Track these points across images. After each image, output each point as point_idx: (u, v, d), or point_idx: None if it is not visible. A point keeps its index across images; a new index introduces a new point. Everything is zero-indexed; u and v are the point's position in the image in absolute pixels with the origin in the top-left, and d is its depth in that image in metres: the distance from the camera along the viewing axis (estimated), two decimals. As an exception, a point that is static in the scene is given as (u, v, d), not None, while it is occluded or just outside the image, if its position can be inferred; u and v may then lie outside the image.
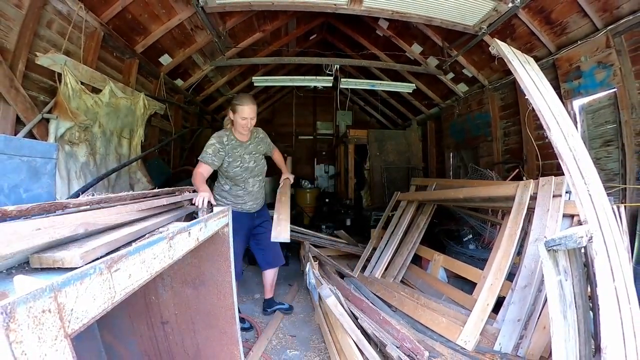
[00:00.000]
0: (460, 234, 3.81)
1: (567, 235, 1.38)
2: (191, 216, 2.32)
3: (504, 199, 2.90)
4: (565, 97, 3.60)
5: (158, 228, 1.23)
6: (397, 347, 1.91)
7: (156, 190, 1.50)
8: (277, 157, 3.19)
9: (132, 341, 1.77)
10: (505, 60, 2.40)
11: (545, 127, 2.05)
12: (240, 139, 2.72)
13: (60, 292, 0.49)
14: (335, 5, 3.52)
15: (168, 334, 1.73)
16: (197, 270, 1.59)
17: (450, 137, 6.43)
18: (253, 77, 5.85)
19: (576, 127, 3.34)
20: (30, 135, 2.60)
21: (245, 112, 2.56)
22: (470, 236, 3.78)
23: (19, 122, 2.50)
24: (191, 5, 3.50)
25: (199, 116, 6.49)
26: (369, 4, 3.50)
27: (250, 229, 2.90)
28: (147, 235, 1.08)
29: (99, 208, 0.98)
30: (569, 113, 3.40)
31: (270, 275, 3.04)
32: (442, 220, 4.70)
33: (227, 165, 2.66)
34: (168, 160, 5.28)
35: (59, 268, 0.69)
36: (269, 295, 3.13)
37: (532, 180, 2.72)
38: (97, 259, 0.70)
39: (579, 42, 3.41)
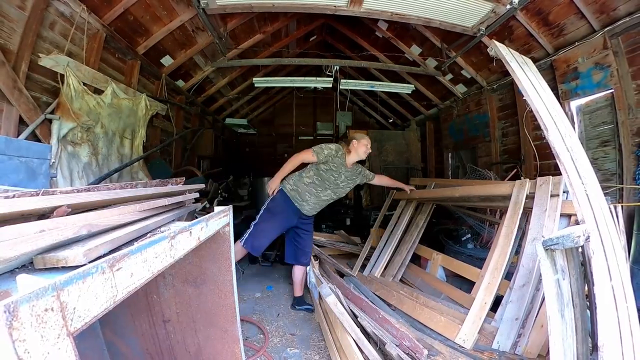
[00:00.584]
0: (459, 233, 3.81)
1: (564, 234, 1.38)
2: (193, 215, 2.33)
3: (501, 198, 2.91)
4: (562, 98, 3.61)
5: (159, 227, 1.23)
6: (397, 346, 1.91)
7: (152, 181, 1.50)
8: (383, 180, 3.61)
9: (134, 339, 1.77)
10: (504, 61, 2.40)
11: (543, 127, 2.05)
12: (347, 164, 3.07)
13: (62, 290, 0.48)
14: (335, 6, 3.52)
15: (170, 333, 1.72)
16: (199, 269, 1.59)
17: (448, 138, 6.43)
18: (254, 78, 5.85)
19: (574, 128, 3.34)
20: (33, 135, 2.60)
21: (367, 141, 3.12)
22: (469, 235, 3.78)
23: (22, 123, 2.50)
24: (192, 7, 3.50)
25: (200, 117, 6.48)
26: (368, 5, 3.50)
27: (291, 222, 3.10)
28: (149, 235, 1.09)
29: (87, 191, 0.98)
30: (566, 114, 3.41)
31: (298, 273, 3.19)
32: (441, 219, 4.70)
33: (327, 169, 3.00)
34: (170, 161, 5.28)
35: (62, 267, 0.69)
36: (298, 293, 3.26)
37: (528, 179, 2.71)
38: (100, 257, 0.70)
39: (576, 44, 3.42)
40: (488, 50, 2.59)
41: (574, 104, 3.62)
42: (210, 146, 6.61)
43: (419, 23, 3.90)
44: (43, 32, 2.61)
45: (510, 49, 2.57)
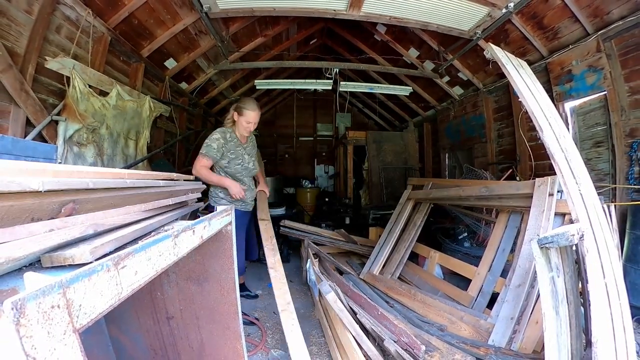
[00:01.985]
0: (456, 232, 3.81)
1: (559, 233, 1.38)
2: (196, 214, 2.32)
3: (517, 196, 2.79)
4: (557, 99, 3.61)
5: (163, 226, 1.23)
6: (395, 342, 1.91)
7: (156, 173, 1.50)
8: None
9: (138, 335, 1.77)
10: (500, 64, 2.40)
11: (538, 128, 2.05)
12: (240, 140, 2.82)
13: (68, 288, 0.48)
14: (334, 10, 3.52)
15: (173, 329, 1.72)
16: (201, 267, 1.59)
17: (445, 139, 6.43)
18: (255, 81, 5.85)
19: (568, 129, 3.35)
20: (40, 136, 2.60)
21: (251, 117, 2.70)
22: (466, 234, 3.77)
23: (29, 124, 2.50)
24: (195, 11, 3.50)
25: (203, 118, 6.49)
26: (367, 9, 3.50)
27: (247, 225, 3.00)
28: (153, 233, 1.09)
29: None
30: (560, 115, 3.41)
31: None
32: (438, 218, 4.70)
33: (228, 162, 2.73)
34: (173, 161, 5.28)
35: (69, 265, 0.69)
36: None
37: (549, 177, 2.55)
38: (106, 255, 0.70)
39: (570, 47, 3.42)
40: (484, 52, 2.59)
41: (568, 105, 3.63)
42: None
43: (416, 27, 3.90)
44: (49, 36, 2.60)
45: (506, 52, 2.56)
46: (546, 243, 1.40)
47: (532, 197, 2.57)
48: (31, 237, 0.68)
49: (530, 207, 2.55)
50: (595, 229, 1.70)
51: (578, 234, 1.41)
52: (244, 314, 2.51)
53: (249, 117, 2.69)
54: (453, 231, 3.86)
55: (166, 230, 1.05)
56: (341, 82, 5.72)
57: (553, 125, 2.07)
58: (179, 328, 1.72)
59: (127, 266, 0.66)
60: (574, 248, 1.73)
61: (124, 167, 3.50)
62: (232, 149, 2.72)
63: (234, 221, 1.49)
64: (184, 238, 0.95)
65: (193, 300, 1.71)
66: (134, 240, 0.94)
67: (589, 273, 1.50)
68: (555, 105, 3.50)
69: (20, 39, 2.33)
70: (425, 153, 7.40)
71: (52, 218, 0.80)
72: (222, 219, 1.33)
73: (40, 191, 0.71)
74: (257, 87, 5.98)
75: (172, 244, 0.88)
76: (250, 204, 2.98)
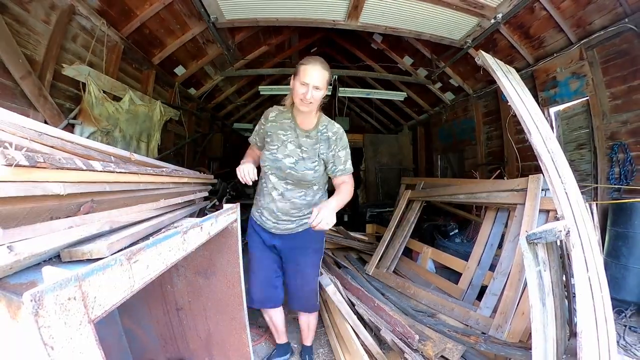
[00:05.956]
0: (447, 229, 3.80)
1: (547, 229, 1.38)
2: (203, 212, 2.32)
3: (514, 192, 2.68)
4: (542, 104, 3.61)
5: (173, 223, 1.23)
6: (391, 331, 1.91)
7: (187, 170, 1.50)
8: (340, 181, 1.75)
9: (149, 326, 1.77)
10: (490, 70, 2.39)
11: (526, 130, 2.05)
12: (299, 123, 1.71)
13: (84, 281, 0.48)
14: (334, 21, 3.51)
15: (182, 320, 1.72)
16: (209, 262, 1.59)
17: (438, 141, 6.42)
18: (259, 87, 5.84)
19: (553, 132, 3.35)
20: (57, 139, 2.59)
21: (308, 75, 1.53)
22: (457, 231, 3.76)
23: (46, 127, 2.49)
24: (203, 21, 3.49)
25: (210, 121, 6.48)
26: (364, 20, 3.49)
27: (271, 247, 1.85)
28: (163, 230, 1.08)
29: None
30: (546, 119, 3.41)
31: (302, 319, 2.01)
32: (430, 215, 4.69)
33: (271, 150, 1.72)
34: (182, 162, 5.27)
35: (87, 260, 0.69)
36: (304, 342, 2.12)
37: (541, 174, 2.40)
38: (121, 250, 0.70)
39: (555, 55, 3.42)
40: (475, 59, 2.58)
41: (553, 110, 3.63)
42: (220, 148, 6.61)
43: (410, 36, 3.90)
44: (66, 44, 2.60)
45: (496, 59, 2.56)
46: (535, 239, 1.39)
47: (525, 192, 2.53)
48: (51, 234, 0.67)
49: (517, 204, 2.55)
50: (580, 225, 1.70)
51: (564, 230, 1.41)
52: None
53: (303, 75, 1.54)
54: (445, 228, 3.84)
55: (176, 227, 1.05)
56: (340, 88, 5.72)
57: (540, 128, 2.07)
58: (187, 318, 1.72)
59: (139, 260, 0.66)
60: (558, 244, 1.73)
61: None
62: (271, 130, 1.72)
63: (239, 218, 1.49)
64: (193, 235, 0.95)
65: (201, 292, 1.70)
66: (147, 237, 0.94)
67: (574, 267, 1.49)
68: (541, 110, 3.51)
69: (38, 47, 2.33)
70: (418, 155, 7.39)
71: (70, 216, 0.80)
72: (228, 217, 1.32)
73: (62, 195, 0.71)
74: (261, 93, 5.97)
75: (181, 240, 0.88)
76: (274, 224, 1.79)
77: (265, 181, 1.77)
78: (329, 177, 1.81)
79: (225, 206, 1.35)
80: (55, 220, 0.73)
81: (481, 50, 2.60)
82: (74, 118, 2.70)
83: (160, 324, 1.76)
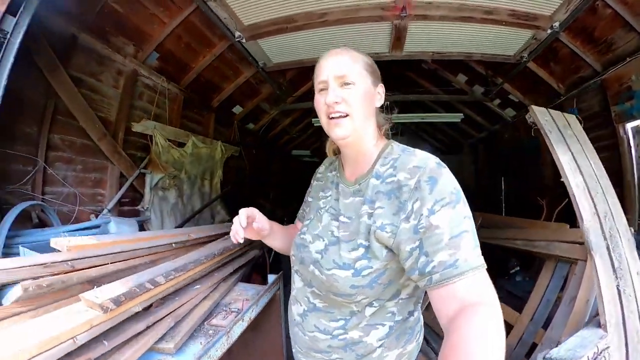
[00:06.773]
0: (508, 265, 3.34)
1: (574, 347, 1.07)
2: (254, 260, 2.36)
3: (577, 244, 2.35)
4: (616, 121, 3.04)
5: (223, 298, 1.28)
6: None
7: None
8: (454, 306, 0.68)
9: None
10: (542, 132, 2.12)
11: (578, 215, 1.74)
12: (346, 172, 1.00)
13: None
14: (377, 53, 3.47)
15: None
16: (254, 321, 1.66)
17: (500, 160, 5.90)
18: (312, 119, 5.97)
19: (630, 152, 2.85)
20: (132, 185, 2.92)
21: (323, 68, 0.94)
22: (518, 268, 3.29)
23: (122, 176, 2.83)
24: (253, 66, 3.72)
25: (268, 152, 6.78)
26: (409, 48, 3.40)
27: None
28: (214, 314, 1.15)
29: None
30: (621, 138, 2.92)
31: None
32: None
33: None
34: (245, 194, 5.56)
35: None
36: None
37: None
38: None
39: (627, 59, 2.83)
40: (526, 117, 2.31)
41: (630, 125, 3.02)
42: (279, 176, 6.88)
43: (459, 58, 3.69)
44: (134, 102, 2.95)
45: (551, 111, 2.25)
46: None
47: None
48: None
49: (578, 260, 2.16)
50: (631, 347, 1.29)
51: (600, 350, 1.07)
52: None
53: (318, 73, 0.95)
54: (505, 265, 3.40)
55: (225, 310, 1.10)
56: (394, 114, 5.58)
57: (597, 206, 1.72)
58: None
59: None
60: None
61: (200, 208, 3.77)
62: (314, 193, 1.11)
63: (282, 287, 1.49)
64: (235, 329, 1.00)
65: (247, 345, 1.76)
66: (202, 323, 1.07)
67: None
68: (614, 127, 2.98)
69: (111, 110, 2.68)
70: (479, 176, 6.86)
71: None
72: (270, 292, 1.34)
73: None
74: (314, 124, 6.11)
75: (225, 338, 0.93)
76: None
77: (292, 281, 1.00)
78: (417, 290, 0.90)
79: (270, 278, 1.37)
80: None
81: (532, 106, 2.33)
82: (145, 167, 3.03)
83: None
